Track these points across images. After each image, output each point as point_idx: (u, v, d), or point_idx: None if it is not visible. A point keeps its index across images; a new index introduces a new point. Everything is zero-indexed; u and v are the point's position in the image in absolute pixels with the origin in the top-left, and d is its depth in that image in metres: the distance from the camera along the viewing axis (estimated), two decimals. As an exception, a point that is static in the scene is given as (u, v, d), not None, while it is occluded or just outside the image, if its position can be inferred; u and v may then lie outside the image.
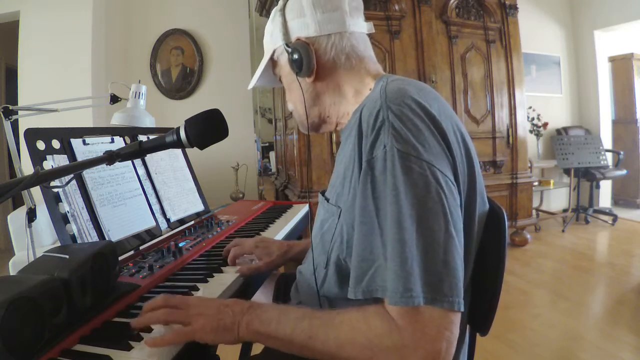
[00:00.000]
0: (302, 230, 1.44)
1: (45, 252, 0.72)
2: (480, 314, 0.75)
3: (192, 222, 1.30)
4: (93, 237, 0.93)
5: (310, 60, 0.76)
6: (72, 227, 0.89)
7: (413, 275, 0.54)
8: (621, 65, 4.81)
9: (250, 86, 0.91)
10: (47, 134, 0.94)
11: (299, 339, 0.60)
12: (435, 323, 0.54)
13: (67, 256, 0.68)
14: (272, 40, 0.82)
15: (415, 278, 0.54)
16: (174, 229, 1.21)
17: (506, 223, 0.73)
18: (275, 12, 0.81)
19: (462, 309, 0.55)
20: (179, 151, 1.41)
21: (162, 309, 0.64)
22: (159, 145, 0.77)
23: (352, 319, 0.58)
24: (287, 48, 0.78)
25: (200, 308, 0.65)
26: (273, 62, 0.85)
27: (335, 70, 0.78)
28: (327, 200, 0.74)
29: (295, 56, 0.76)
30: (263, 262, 0.94)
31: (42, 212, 1.03)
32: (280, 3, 0.81)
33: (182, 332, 0.62)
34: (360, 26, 0.80)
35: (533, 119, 4.33)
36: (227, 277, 0.87)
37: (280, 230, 1.25)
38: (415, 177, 0.57)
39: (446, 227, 0.56)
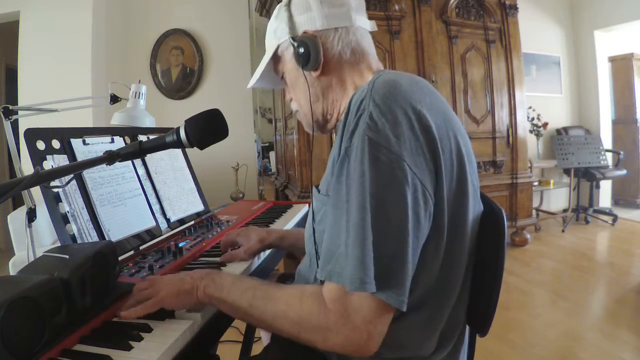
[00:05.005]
0: (302, 230, 1.44)
1: (45, 252, 0.72)
2: (479, 314, 0.75)
3: (192, 222, 1.30)
4: (93, 237, 0.93)
5: (317, 53, 0.75)
6: (72, 227, 0.89)
7: (348, 262, 0.56)
8: (621, 65, 4.81)
9: (250, 85, 0.89)
10: (47, 134, 0.94)
11: (242, 307, 0.66)
12: (362, 313, 0.56)
13: (67, 256, 0.68)
14: (277, 36, 0.81)
15: (353, 266, 0.56)
16: (174, 229, 1.21)
17: (505, 224, 0.73)
18: (279, 8, 0.80)
19: (402, 308, 0.56)
20: (179, 151, 1.41)
21: (134, 295, 0.72)
22: (159, 145, 0.77)
23: (289, 295, 0.63)
24: (293, 42, 0.76)
25: (164, 280, 0.73)
26: (276, 59, 0.84)
27: (340, 65, 0.78)
28: (319, 191, 0.75)
29: (302, 49, 0.75)
30: (242, 248, 1.00)
31: (42, 212, 1.03)
32: None
33: (150, 303, 0.69)
34: (364, 23, 0.80)
35: (533, 119, 4.33)
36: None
37: (280, 230, 1.25)
38: (381, 167, 0.57)
39: (404, 222, 0.57)
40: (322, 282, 0.62)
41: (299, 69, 0.78)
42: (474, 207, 0.69)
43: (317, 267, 0.72)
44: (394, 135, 0.58)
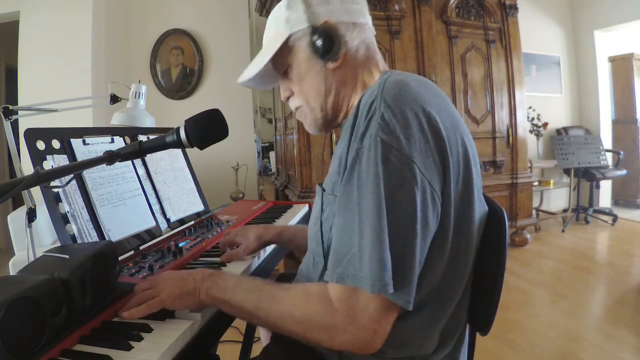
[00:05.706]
0: (302, 230, 1.44)
1: (45, 252, 0.72)
2: (480, 313, 0.75)
3: (192, 222, 1.30)
4: (93, 237, 0.93)
5: (340, 43, 0.72)
6: (72, 227, 0.89)
7: (365, 264, 0.56)
8: (621, 65, 4.81)
9: (241, 79, 0.83)
10: (47, 134, 0.94)
11: (247, 308, 0.66)
12: (369, 312, 0.57)
13: (67, 256, 0.68)
14: (289, 25, 0.75)
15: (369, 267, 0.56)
16: (174, 229, 1.21)
17: (506, 223, 0.74)
18: None
19: (409, 307, 0.57)
20: (179, 151, 1.41)
21: (135, 296, 0.71)
22: (159, 145, 0.77)
23: (294, 295, 0.63)
24: (314, 30, 0.72)
25: (166, 280, 0.72)
26: (284, 51, 0.76)
27: (355, 61, 0.75)
28: (324, 190, 0.74)
29: (320, 41, 0.71)
30: (241, 247, 0.99)
31: (42, 212, 1.03)
32: None
33: (152, 303, 0.68)
34: (371, 23, 0.79)
35: (533, 119, 4.33)
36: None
37: (280, 230, 1.24)
38: (392, 168, 0.57)
39: (412, 223, 0.57)
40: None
41: (313, 60, 0.74)
42: (479, 209, 0.69)
43: (323, 268, 0.72)
44: (405, 136, 0.58)
